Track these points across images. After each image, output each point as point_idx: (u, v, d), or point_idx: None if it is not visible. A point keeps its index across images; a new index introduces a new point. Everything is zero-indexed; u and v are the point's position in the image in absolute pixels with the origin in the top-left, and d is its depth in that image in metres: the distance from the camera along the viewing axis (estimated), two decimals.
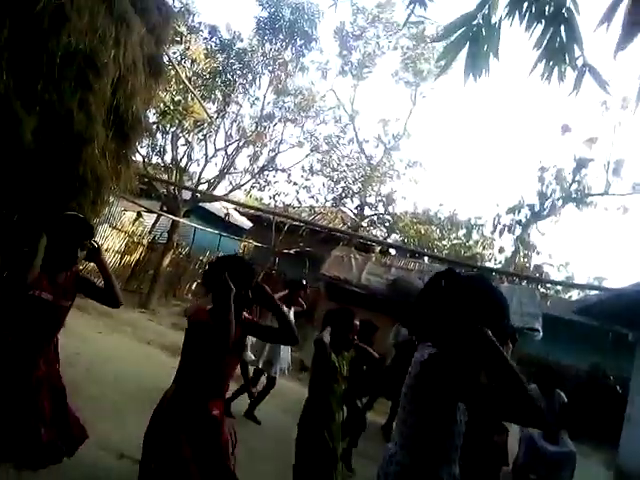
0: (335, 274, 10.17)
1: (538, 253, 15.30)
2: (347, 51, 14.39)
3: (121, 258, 11.41)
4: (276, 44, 12.01)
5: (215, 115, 11.79)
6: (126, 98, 3.64)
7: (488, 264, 15.04)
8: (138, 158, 10.93)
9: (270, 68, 12.37)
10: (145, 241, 12.22)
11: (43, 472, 2.89)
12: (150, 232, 13.70)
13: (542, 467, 5.36)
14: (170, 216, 12.07)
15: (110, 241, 11.08)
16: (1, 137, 2.83)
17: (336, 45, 14.44)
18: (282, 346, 5.52)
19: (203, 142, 12.34)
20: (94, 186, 3.65)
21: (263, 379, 5.73)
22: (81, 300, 8.69)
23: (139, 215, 13.70)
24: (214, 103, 12.01)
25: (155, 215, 14.56)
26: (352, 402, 4.80)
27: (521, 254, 14.52)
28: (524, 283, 11.06)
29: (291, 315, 5.64)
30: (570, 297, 16.92)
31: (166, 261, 11.66)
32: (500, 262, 15.16)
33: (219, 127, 12.45)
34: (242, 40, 12.11)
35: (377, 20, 14.07)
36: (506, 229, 14.88)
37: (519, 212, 14.70)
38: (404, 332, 6.83)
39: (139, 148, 10.23)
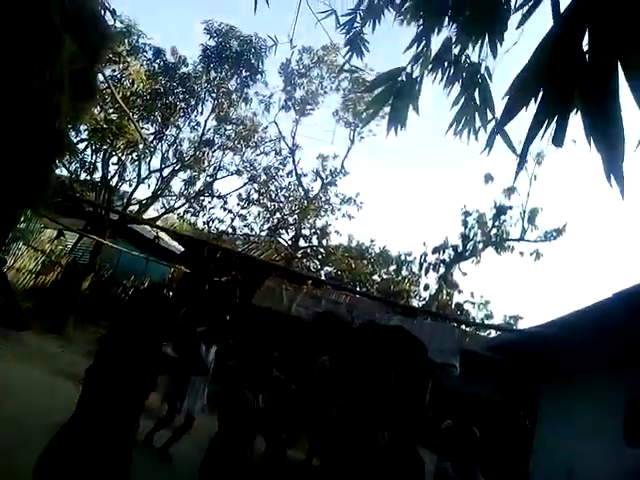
0: (266, 305, 10.10)
1: (460, 292, 16.17)
2: (291, 87, 14.74)
3: (35, 278, 10.61)
4: (221, 72, 12.06)
5: (152, 137, 11.54)
6: (49, 114, 3.48)
7: (414, 301, 15.63)
8: (64, 173, 10.40)
9: (213, 95, 12.36)
10: (64, 261, 11.47)
11: None
12: (71, 252, 12.90)
13: None
14: (94, 237, 11.47)
15: (23, 260, 10.29)
16: None
17: (281, 80, 14.77)
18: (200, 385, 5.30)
19: (137, 163, 11.98)
20: (4, 203, 3.42)
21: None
22: None
23: (60, 233, 12.89)
24: (152, 125, 11.77)
25: (77, 234, 13.78)
26: (272, 437, 4.72)
27: (444, 292, 15.23)
28: (446, 321, 11.56)
29: (211, 355, 5.47)
30: (489, 334, 17.87)
31: (85, 284, 11.00)
32: (425, 299, 15.80)
33: (155, 149, 12.18)
34: (187, 65, 12.07)
35: (321, 61, 14.59)
36: (431, 267, 15.62)
37: (443, 252, 15.52)
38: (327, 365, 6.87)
39: (65, 161, 9.75)
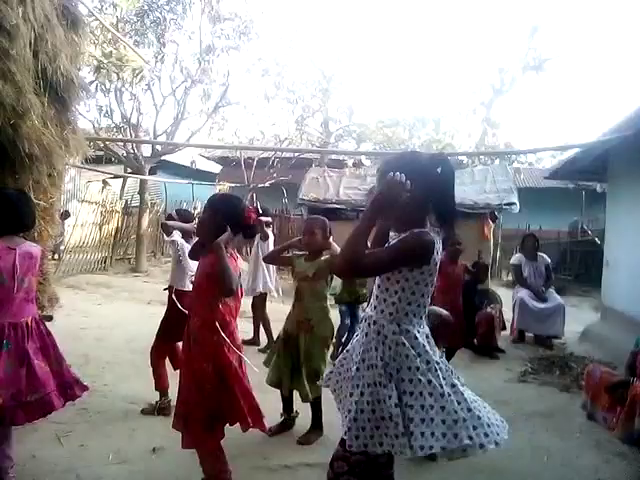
0: (313, 196, 10.22)
1: (505, 130, 15.45)
2: None
3: (100, 229, 11.27)
4: None
5: (153, 59, 11.10)
6: (50, 59, 3.43)
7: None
8: (86, 124, 10.45)
9: None
10: (119, 207, 11.99)
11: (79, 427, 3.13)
12: (121, 198, 13.42)
13: (535, 323, 5.86)
14: (136, 176, 11.78)
15: (84, 215, 10.87)
16: None
17: None
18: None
19: (149, 91, 11.74)
20: (44, 158, 3.55)
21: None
22: (72, 278, 8.79)
23: (105, 183, 13.34)
24: (149, 47, 11.26)
25: (121, 180, 14.18)
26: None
27: (489, 134, 14.59)
28: (497, 162, 11.22)
29: (270, 242, 5.72)
30: (544, 167, 17.32)
31: (145, 222, 11.56)
32: (470, 147, 15.27)
33: (160, 72, 11.79)
34: None
35: None
36: (470, 113, 14.83)
37: (480, 92, 14.57)
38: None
39: (84, 112, 9.75)
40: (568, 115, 35.81)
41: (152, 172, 12.92)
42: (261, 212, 5.98)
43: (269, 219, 6.08)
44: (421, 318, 1.78)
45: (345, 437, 1.67)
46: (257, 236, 5.78)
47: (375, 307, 1.80)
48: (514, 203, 8.68)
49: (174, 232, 3.67)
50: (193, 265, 2.37)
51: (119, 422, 3.31)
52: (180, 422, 2.21)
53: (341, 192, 10.10)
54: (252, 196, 14.37)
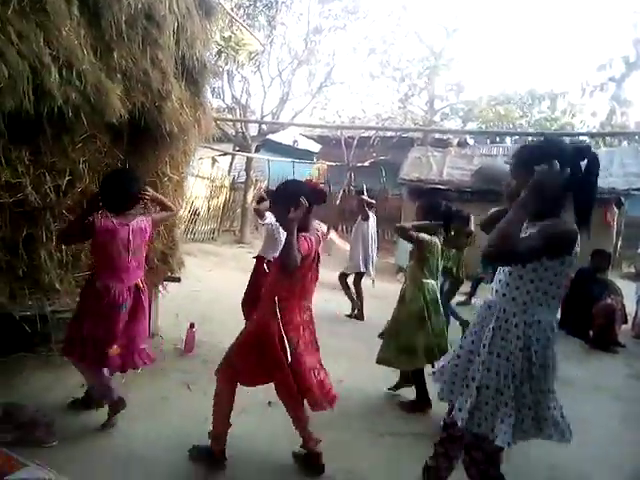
0: (415, 176, 10.06)
1: (637, 109, 13.75)
2: None
3: (209, 202, 12.13)
4: None
5: (264, 42, 11.53)
6: (188, 45, 3.76)
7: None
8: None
9: None
10: (226, 183, 12.79)
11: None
12: (228, 174, 14.27)
13: None
14: (243, 154, 12.43)
15: (196, 189, 11.76)
16: (94, 111, 3.06)
17: None
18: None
19: (258, 73, 12.25)
20: (182, 137, 3.92)
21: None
22: (185, 246, 9.51)
23: (214, 160, 14.24)
24: (260, 30, 11.70)
25: (229, 157, 15.04)
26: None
27: (618, 114, 13.10)
28: (624, 143, 10.12)
29: (371, 222, 5.97)
30: None
31: (249, 197, 12.22)
32: (594, 127, 13.86)
33: (269, 54, 12.22)
34: None
35: None
36: (597, 89, 13.39)
37: (611, 67, 13.07)
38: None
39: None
40: None
41: (257, 150, 13.54)
42: (364, 192, 6.20)
43: (372, 200, 6.20)
44: (554, 310, 1.75)
45: (463, 422, 1.74)
46: (359, 217, 6.00)
47: (504, 295, 1.76)
48: None
49: (266, 214, 3.92)
50: None
51: None
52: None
53: (445, 172, 9.83)
54: (350, 175, 14.49)
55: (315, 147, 19.02)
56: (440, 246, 3.42)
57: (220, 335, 4.54)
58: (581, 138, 10.45)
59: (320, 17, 12.46)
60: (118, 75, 3.22)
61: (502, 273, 1.80)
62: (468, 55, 13.59)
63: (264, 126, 12.94)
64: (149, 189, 2.96)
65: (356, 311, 5.85)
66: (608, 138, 10.73)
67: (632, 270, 8.38)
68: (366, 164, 14.29)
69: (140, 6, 3.23)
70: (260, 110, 13.03)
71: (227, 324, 4.92)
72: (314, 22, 12.37)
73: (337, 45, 13.09)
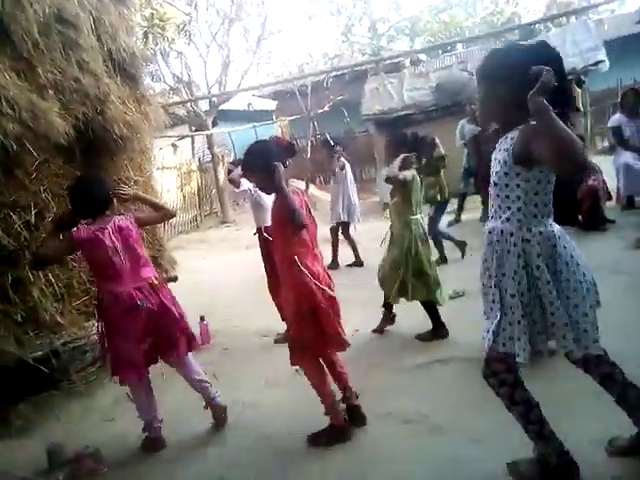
0: (377, 108, 9.85)
1: None
2: None
3: (182, 191, 11.90)
4: None
5: (187, 9, 10.96)
6: (111, 38, 3.56)
7: (524, 19, 13.53)
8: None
9: None
10: (194, 166, 12.52)
11: None
12: (193, 156, 13.94)
13: None
14: (201, 133, 12.11)
15: (166, 181, 11.50)
16: (37, 136, 2.90)
17: None
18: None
19: (192, 44, 11.72)
20: (134, 136, 3.78)
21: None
22: (172, 241, 9.41)
23: (175, 146, 13.86)
24: None
25: (189, 140, 14.64)
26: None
27: None
28: (573, 19, 9.90)
29: (347, 169, 5.95)
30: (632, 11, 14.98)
31: (221, 174, 12.00)
32: (540, 12, 13.55)
33: (197, 20, 11.62)
34: None
35: None
36: None
37: None
38: (468, 127, 6.73)
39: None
40: None
41: (214, 125, 13.16)
42: (330, 142, 6.07)
43: (339, 148, 6.06)
44: (550, 216, 1.76)
45: (489, 342, 1.79)
46: (336, 165, 5.89)
47: (500, 217, 1.78)
48: (602, 61, 7.75)
49: (241, 181, 3.84)
50: (270, 200, 2.46)
51: (258, 354, 3.71)
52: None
53: (405, 96, 9.63)
54: (313, 124, 14.19)
55: (271, 104, 18.50)
56: (419, 177, 3.43)
57: (233, 319, 4.61)
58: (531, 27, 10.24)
59: None
60: (49, 91, 3.07)
61: (493, 198, 1.82)
62: None
63: (215, 98, 12.51)
64: (127, 188, 2.89)
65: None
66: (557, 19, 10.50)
67: (606, 144, 8.46)
68: (326, 109, 13.96)
69: (48, 10, 3.02)
70: (205, 81, 12.57)
71: (236, 305, 4.99)
72: None
73: None
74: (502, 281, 1.77)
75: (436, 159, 4.95)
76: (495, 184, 1.78)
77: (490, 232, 1.82)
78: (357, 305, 4.02)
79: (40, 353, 2.85)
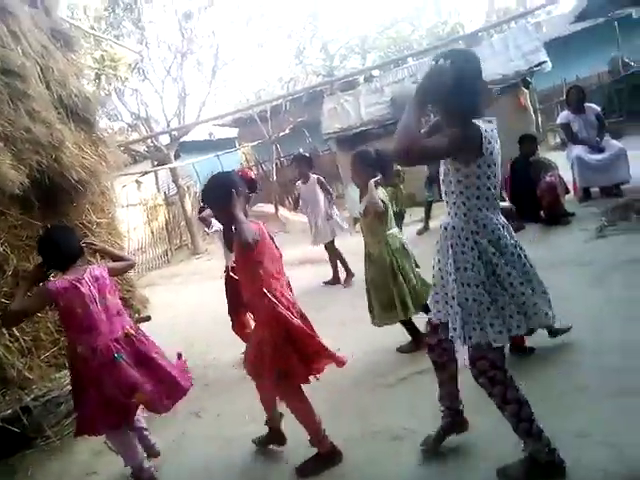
0: (337, 126, 10.02)
1: None
2: None
3: (149, 226, 11.73)
4: None
5: (139, 47, 10.98)
6: (61, 85, 3.53)
7: (471, 27, 14.08)
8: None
9: None
10: (160, 201, 12.40)
11: None
12: (158, 191, 13.82)
13: (599, 176, 5.69)
14: (164, 167, 12.03)
15: (132, 219, 11.33)
16: None
17: None
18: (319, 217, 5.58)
19: (146, 80, 11.71)
20: (94, 180, 3.74)
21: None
22: (144, 279, 9.19)
23: (138, 183, 13.71)
24: (130, 37, 11.12)
25: (152, 175, 14.51)
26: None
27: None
28: (513, 24, 10.37)
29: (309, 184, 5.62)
30: (564, 12, 15.81)
31: (188, 207, 11.91)
32: (481, 19, 14.16)
33: (150, 57, 11.64)
34: None
35: None
36: None
37: None
38: None
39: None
40: None
41: (177, 157, 13.10)
42: (310, 158, 5.95)
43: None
44: (495, 209, 1.84)
45: (458, 338, 1.85)
46: (300, 187, 5.74)
47: (449, 213, 1.90)
48: (544, 62, 8.12)
49: (212, 221, 3.83)
50: None
51: (239, 387, 3.58)
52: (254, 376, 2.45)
53: (363, 113, 9.83)
54: (276, 147, 14.29)
55: (233, 132, 18.57)
56: (386, 192, 3.46)
57: (211, 351, 4.51)
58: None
59: (185, 0, 11.90)
60: (0, 144, 3.01)
61: (444, 195, 1.92)
62: None
63: (175, 131, 12.47)
64: (95, 241, 2.85)
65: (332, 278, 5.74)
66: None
67: (558, 140, 8.80)
68: (287, 131, 14.11)
69: None
70: (163, 116, 12.52)
71: (214, 338, 4.88)
72: (181, 9, 11.81)
73: (213, 24, 12.59)
74: (461, 275, 1.83)
75: (395, 173, 4.99)
76: (442, 181, 1.91)
77: (446, 228, 1.91)
78: (336, 324, 4.01)
79: (9, 412, 2.72)
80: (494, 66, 8.30)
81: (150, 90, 11.98)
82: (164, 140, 12.11)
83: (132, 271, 3.91)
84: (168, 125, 12.26)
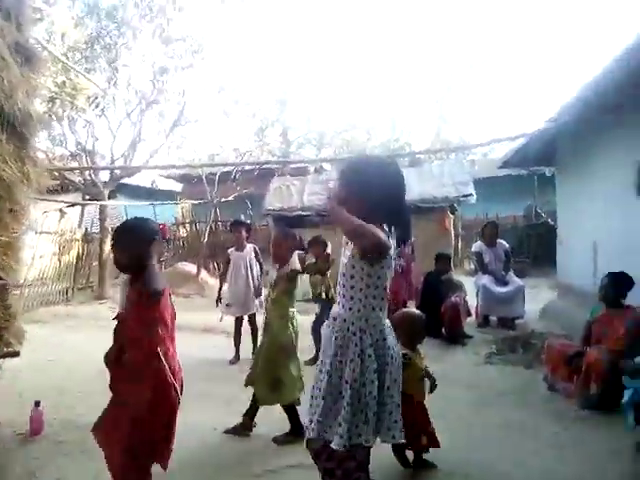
0: (278, 205, 10.36)
1: (458, 125, 16.09)
2: None
3: (59, 259, 10.98)
4: None
5: (106, 84, 11.04)
6: (6, 95, 3.47)
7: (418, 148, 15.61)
8: (40, 155, 10.25)
9: (148, 18, 11.47)
10: (78, 235, 11.76)
11: None
12: (79, 226, 13.18)
13: (498, 307, 6.21)
14: (94, 202, 11.62)
15: (42, 246, 10.59)
16: None
17: None
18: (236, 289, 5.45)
19: (103, 117, 11.64)
20: (7, 194, 3.58)
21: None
22: (35, 312, 8.45)
23: (62, 212, 13.05)
24: (102, 73, 11.20)
25: (79, 208, 13.90)
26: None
27: (443, 130, 15.14)
28: (452, 156, 11.68)
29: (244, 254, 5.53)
30: (497, 157, 18.03)
31: (107, 248, 11.38)
32: (426, 144, 15.78)
33: (114, 96, 11.70)
34: None
35: None
36: (425, 110, 15.36)
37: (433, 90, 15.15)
38: None
39: (37, 144, 9.57)
40: (520, 105, 37.22)
41: (111, 196, 12.74)
42: (249, 223, 5.96)
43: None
44: (383, 310, 1.93)
45: (313, 432, 1.84)
46: (233, 253, 5.54)
47: (343, 305, 1.92)
48: (471, 194, 9.11)
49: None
50: None
51: (94, 449, 3.30)
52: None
53: (305, 199, 10.29)
54: (215, 210, 14.34)
55: (177, 187, 18.52)
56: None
57: (80, 407, 4.06)
58: (418, 156, 11.96)
59: (165, 57, 12.33)
60: None
61: (340, 286, 1.96)
62: (315, 86, 14.51)
63: (117, 170, 12.27)
64: None
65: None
66: (439, 153, 12.32)
67: (472, 267, 9.57)
68: (230, 198, 14.30)
69: None
70: (110, 154, 12.34)
71: (90, 393, 4.42)
72: (160, 62, 12.19)
73: (186, 84, 13.02)
74: (336, 368, 1.85)
75: (325, 257, 5.15)
76: (343, 274, 1.93)
77: (334, 318, 1.95)
78: (220, 401, 3.85)
79: None
80: (428, 188, 9.19)
81: (104, 126, 11.90)
82: (103, 177, 11.84)
83: (18, 300, 3.62)
84: (112, 162, 12.05)
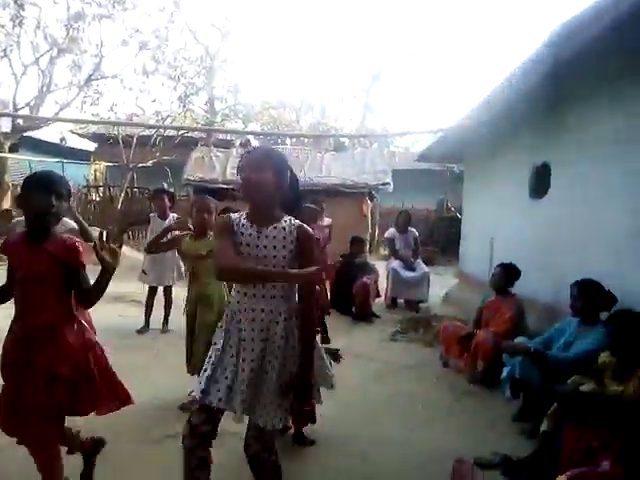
0: (199, 176, 10.08)
1: (382, 115, 16.65)
2: None
3: None
4: None
5: (10, 23, 9.93)
6: None
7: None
8: None
9: None
10: None
11: None
12: None
13: (405, 290, 6.63)
14: None
15: None
16: None
17: None
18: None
19: (5, 59, 10.49)
20: None
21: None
22: None
23: None
24: (4, 8, 10.03)
25: None
26: None
27: (368, 119, 15.55)
28: (375, 145, 12.06)
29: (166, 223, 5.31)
30: (417, 151, 18.93)
31: (5, 205, 10.44)
32: (351, 130, 16.13)
33: (20, 38, 10.56)
34: None
35: None
36: (352, 98, 15.66)
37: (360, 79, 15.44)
38: None
39: None
40: (440, 100, 39.11)
41: (13, 150, 11.62)
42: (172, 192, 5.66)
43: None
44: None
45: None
46: (156, 221, 5.29)
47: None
48: (388, 183, 9.52)
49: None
50: None
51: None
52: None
53: (228, 172, 10.09)
54: (132, 176, 13.60)
55: (90, 146, 17.22)
56: None
57: None
58: (342, 139, 12.24)
59: (82, 2, 11.31)
60: None
61: None
62: (243, 58, 14.14)
63: (20, 121, 11.17)
64: None
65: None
66: (362, 140, 12.67)
67: (386, 252, 10.07)
68: (149, 164, 13.62)
69: None
70: (12, 102, 11.18)
71: None
72: (75, 7, 11.19)
73: (105, 35, 12.16)
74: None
75: None
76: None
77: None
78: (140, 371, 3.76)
79: None
80: (350, 173, 9.45)
81: (7, 71, 10.75)
82: (5, 126, 10.73)
83: None
84: (15, 111, 10.95)
